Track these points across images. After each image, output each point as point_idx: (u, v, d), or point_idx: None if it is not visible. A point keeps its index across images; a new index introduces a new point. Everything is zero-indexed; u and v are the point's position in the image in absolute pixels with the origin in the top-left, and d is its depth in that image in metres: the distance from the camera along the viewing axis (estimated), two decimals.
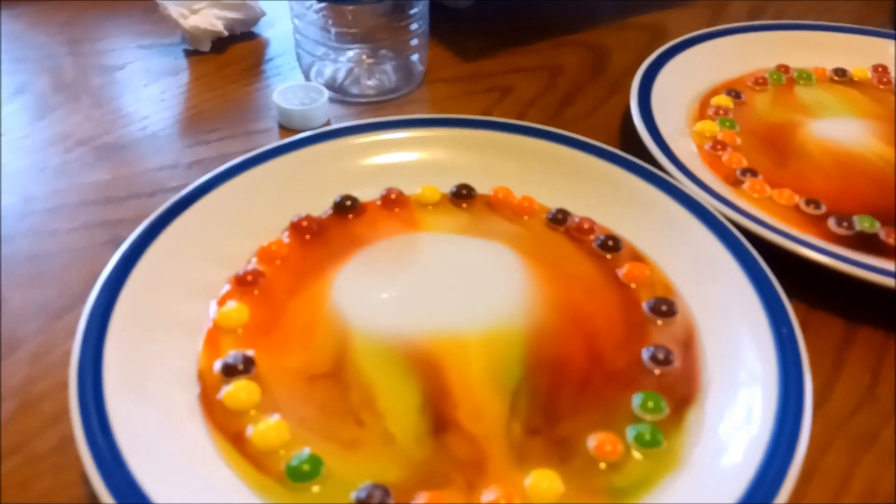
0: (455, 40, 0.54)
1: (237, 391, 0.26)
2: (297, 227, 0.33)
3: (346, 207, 0.35)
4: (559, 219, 0.35)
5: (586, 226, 0.34)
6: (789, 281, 0.32)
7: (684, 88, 0.45)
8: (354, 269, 0.32)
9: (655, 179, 0.35)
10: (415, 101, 0.47)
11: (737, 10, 0.59)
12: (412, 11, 0.45)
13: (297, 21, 0.46)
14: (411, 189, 0.36)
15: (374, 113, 0.46)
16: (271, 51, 0.52)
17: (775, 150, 0.41)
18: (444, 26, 0.55)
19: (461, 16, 0.56)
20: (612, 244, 0.33)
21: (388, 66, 0.47)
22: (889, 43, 0.49)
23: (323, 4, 0.44)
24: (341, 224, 0.34)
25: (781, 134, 0.42)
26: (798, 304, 0.34)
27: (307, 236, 0.33)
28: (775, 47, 0.49)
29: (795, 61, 0.49)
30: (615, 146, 0.38)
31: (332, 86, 0.46)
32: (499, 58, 0.52)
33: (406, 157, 0.38)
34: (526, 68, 0.51)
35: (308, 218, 0.34)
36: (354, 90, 0.46)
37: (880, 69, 0.48)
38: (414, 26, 0.46)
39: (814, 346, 0.32)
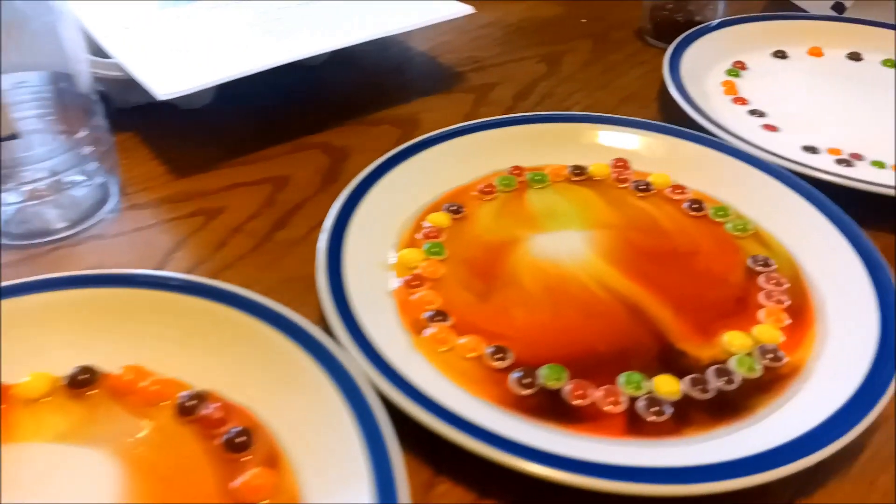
0: (178, 150, 0.48)
1: None
2: None
3: None
4: (189, 408, 0.29)
5: (217, 416, 0.29)
6: None
7: (402, 205, 0.41)
8: None
9: (314, 347, 0.30)
10: (96, 238, 0.40)
11: (501, 94, 0.56)
12: (83, 134, 0.39)
13: None
14: (21, 375, 0.30)
15: (40, 259, 0.39)
16: None
17: (483, 280, 0.36)
18: (173, 132, 0.49)
19: (196, 118, 0.51)
20: (241, 441, 0.28)
21: (66, 198, 0.41)
22: (636, 134, 0.46)
23: None
24: None
25: (494, 257, 0.38)
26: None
27: None
28: (517, 144, 0.46)
29: (535, 158, 0.45)
30: None
31: None
32: (220, 170, 0.46)
33: (21, 333, 0.31)
34: (247, 182, 0.45)
35: None
36: (33, 227, 0.40)
37: (620, 164, 0.45)
38: (88, 150, 0.40)
39: None
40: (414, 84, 0.57)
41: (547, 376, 0.31)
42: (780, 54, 0.59)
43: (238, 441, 0.28)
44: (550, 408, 0.30)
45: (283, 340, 0.31)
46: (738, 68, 0.56)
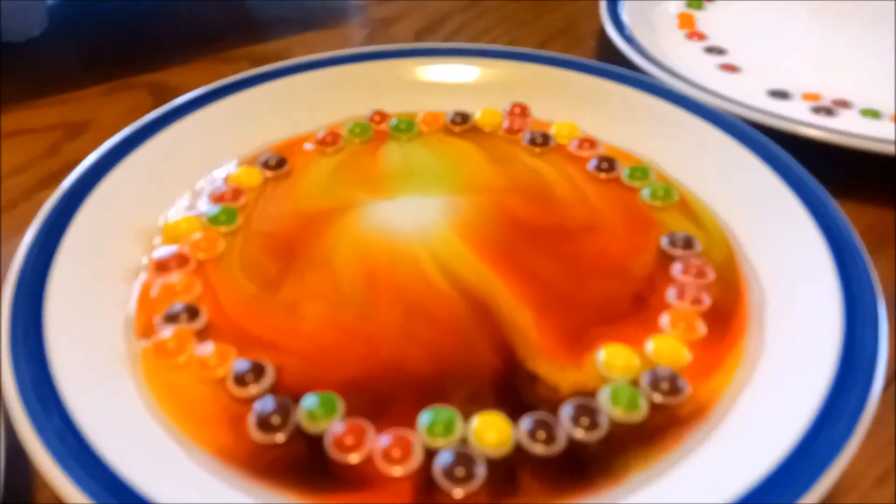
0: None
1: None
2: None
3: None
4: None
5: None
6: None
7: (208, 156, 0.30)
8: None
9: None
10: None
11: (402, 29, 0.45)
12: None
13: None
14: None
15: None
16: None
17: (278, 262, 0.26)
18: None
19: (17, 53, 0.41)
20: None
21: None
22: (542, 72, 0.35)
23: None
24: None
25: (307, 231, 0.27)
26: None
27: None
28: (385, 84, 0.34)
29: (408, 102, 0.34)
30: None
31: None
32: (7, 114, 0.36)
33: None
34: (33, 128, 0.35)
35: None
36: None
37: (517, 110, 0.34)
38: None
39: None
40: (297, 16, 0.46)
41: (309, 413, 0.20)
42: None
43: None
44: (302, 465, 0.19)
45: None
46: None
